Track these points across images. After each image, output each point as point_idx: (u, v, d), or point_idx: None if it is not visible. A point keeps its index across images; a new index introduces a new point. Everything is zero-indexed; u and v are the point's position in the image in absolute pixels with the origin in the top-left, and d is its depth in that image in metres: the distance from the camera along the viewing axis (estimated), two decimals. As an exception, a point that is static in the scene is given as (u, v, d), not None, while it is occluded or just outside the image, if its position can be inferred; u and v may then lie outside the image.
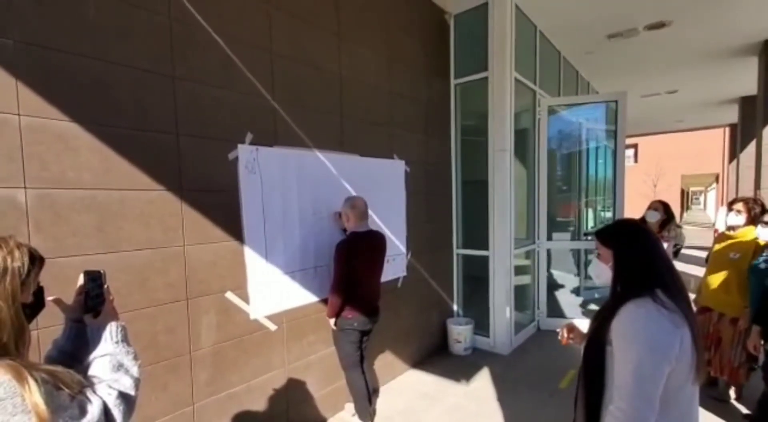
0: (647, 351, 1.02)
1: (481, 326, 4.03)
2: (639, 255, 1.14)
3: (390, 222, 3.28)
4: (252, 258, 2.26)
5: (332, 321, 2.50)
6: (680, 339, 1.03)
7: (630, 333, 1.05)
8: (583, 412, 1.18)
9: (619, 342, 1.07)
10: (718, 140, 17.47)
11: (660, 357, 1.01)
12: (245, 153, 2.22)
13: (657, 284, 1.09)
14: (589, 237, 5.54)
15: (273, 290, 2.39)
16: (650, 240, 1.17)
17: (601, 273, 1.24)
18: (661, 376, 1.01)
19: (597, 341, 1.14)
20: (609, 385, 1.10)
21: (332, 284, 2.44)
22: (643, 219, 3.49)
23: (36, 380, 0.69)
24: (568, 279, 5.59)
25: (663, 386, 1.02)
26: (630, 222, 1.26)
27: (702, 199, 34.03)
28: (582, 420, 1.19)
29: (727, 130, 11.77)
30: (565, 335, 1.42)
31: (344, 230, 2.62)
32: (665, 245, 3.33)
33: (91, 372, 0.87)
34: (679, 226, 3.43)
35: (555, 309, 4.78)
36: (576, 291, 5.65)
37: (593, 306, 5.32)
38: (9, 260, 0.76)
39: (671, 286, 1.09)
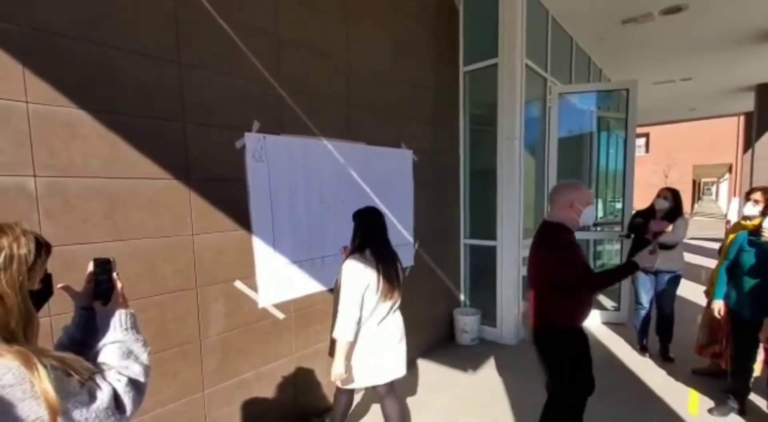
0: (350, 281, 1.89)
1: (489, 316, 4.02)
2: (360, 229, 2.00)
3: (397, 211, 3.26)
4: (260, 247, 2.27)
5: None
6: (370, 275, 1.90)
7: (344, 274, 1.92)
8: (331, 326, 2.01)
9: (341, 280, 1.94)
10: (731, 129, 17.10)
11: (358, 285, 1.88)
12: (252, 141, 2.20)
13: (367, 246, 1.96)
14: (598, 228, 5.47)
15: (281, 279, 2.39)
16: (371, 219, 2.01)
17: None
18: (359, 295, 1.88)
19: (337, 285, 2.02)
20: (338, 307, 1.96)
21: None
22: (652, 207, 3.42)
23: (45, 366, 0.69)
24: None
25: (362, 302, 1.90)
26: (368, 209, 2.06)
27: (714, 189, 33.42)
28: (331, 332, 2.00)
29: (742, 118, 11.48)
30: None
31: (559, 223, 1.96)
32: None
33: (100, 359, 0.87)
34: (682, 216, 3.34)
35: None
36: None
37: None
38: (15, 247, 0.75)
39: (375, 248, 1.96)
